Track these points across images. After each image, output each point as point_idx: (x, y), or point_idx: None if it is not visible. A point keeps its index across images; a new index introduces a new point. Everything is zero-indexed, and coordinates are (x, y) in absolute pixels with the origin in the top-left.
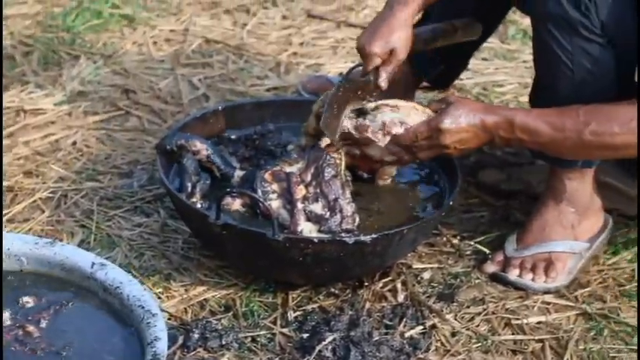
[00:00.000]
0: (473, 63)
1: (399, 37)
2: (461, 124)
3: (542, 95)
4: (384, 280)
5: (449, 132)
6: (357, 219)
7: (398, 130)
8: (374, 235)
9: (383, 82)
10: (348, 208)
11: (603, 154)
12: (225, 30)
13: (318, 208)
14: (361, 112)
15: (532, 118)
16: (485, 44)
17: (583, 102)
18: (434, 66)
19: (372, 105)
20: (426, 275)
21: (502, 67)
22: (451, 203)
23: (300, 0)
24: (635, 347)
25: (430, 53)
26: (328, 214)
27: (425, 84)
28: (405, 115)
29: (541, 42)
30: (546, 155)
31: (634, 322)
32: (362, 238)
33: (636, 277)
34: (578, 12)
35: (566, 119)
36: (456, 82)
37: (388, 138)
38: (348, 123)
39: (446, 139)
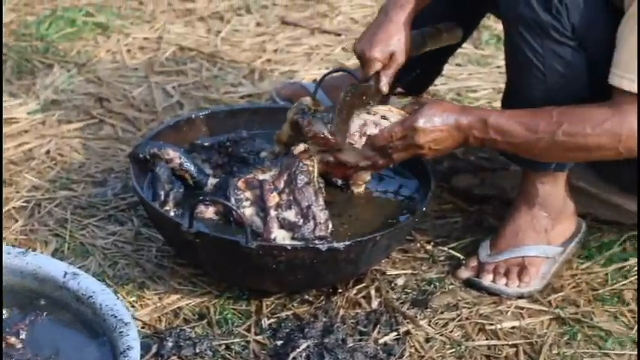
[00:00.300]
0: (447, 68)
1: (398, 41)
2: (435, 123)
3: (515, 98)
4: (357, 287)
5: (423, 131)
6: (331, 226)
7: (373, 130)
8: (347, 242)
9: (384, 86)
10: (321, 215)
11: (576, 156)
12: (199, 37)
13: (291, 215)
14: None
15: (506, 119)
16: (459, 50)
17: (555, 104)
18: (408, 71)
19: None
20: (400, 281)
21: (476, 73)
22: (424, 209)
23: (274, 7)
24: (608, 351)
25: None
26: (301, 221)
27: (399, 90)
28: (380, 118)
29: (513, 45)
30: (520, 158)
31: (607, 326)
32: (335, 245)
33: (637, 279)
34: (550, 15)
35: (539, 120)
36: (430, 87)
37: (364, 139)
38: (322, 128)
39: (420, 139)
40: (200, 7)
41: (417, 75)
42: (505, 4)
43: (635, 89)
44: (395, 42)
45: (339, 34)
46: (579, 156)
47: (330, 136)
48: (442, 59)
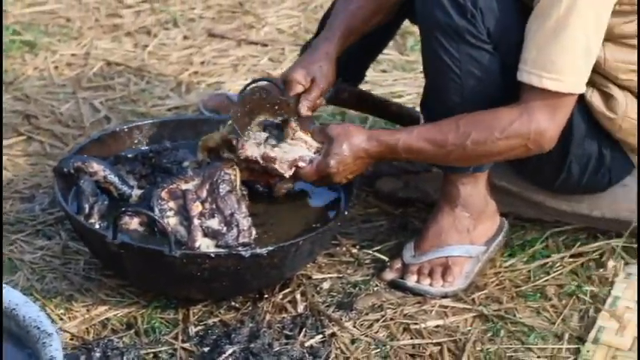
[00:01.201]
0: (372, 75)
1: (320, 67)
2: (346, 161)
3: (433, 102)
4: (283, 292)
5: (337, 172)
6: (254, 232)
7: (301, 164)
8: (270, 248)
9: (303, 108)
10: (245, 222)
11: (489, 160)
12: (126, 52)
13: (214, 223)
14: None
15: (415, 139)
16: (384, 56)
17: (472, 108)
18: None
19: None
20: (326, 285)
21: (401, 79)
22: (346, 213)
23: (201, 20)
24: (531, 346)
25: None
26: (225, 229)
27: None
28: (297, 152)
29: (430, 50)
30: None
31: (530, 321)
32: (258, 251)
33: (636, 280)
34: (465, 20)
35: (447, 134)
36: None
37: (293, 170)
38: (256, 151)
39: (336, 178)
40: (127, 22)
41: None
42: (421, 10)
43: (542, 84)
44: (317, 68)
45: (266, 45)
46: (492, 160)
47: (261, 161)
48: (364, 66)
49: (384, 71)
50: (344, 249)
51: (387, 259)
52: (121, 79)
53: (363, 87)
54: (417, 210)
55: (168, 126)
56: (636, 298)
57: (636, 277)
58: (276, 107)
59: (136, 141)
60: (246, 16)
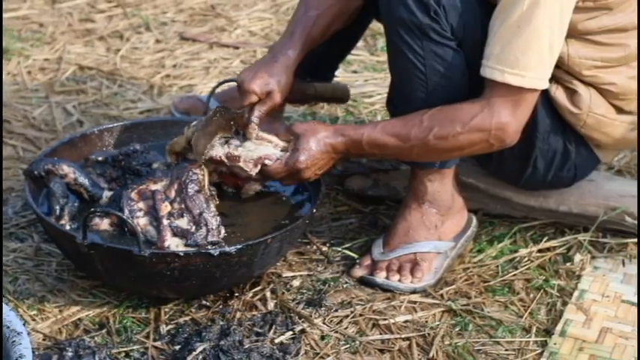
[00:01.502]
0: (343, 75)
1: (278, 82)
2: (314, 155)
3: (398, 99)
4: (254, 290)
5: (305, 167)
6: (223, 231)
7: (267, 162)
8: (238, 246)
9: (255, 119)
10: (213, 221)
11: (452, 155)
12: (99, 56)
13: (183, 223)
14: (233, 137)
15: (379, 134)
16: (355, 57)
17: (436, 104)
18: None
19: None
20: (296, 283)
21: (371, 79)
22: (314, 212)
23: (173, 24)
24: (499, 339)
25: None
26: (194, 228)
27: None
28: (262, 150)
29: (394, 48)
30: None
31: (498, 315)
32: (227, 249)
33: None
34: (428, 17)
35: (410, 128)
36: None
37: (259, 168)
38: (220, 151)
39: (304, 174)
40: (100, 26)
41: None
42: (385, 8)
43: (505, 80)
44: (275, 82)
45: (237, 47)
46: (455, 154)
47: (226, 160)
48: (333, 66)
49: (354, 72)
50: (314, 247)
51: (356, 256)
52: (94, 83)
53: None
54: (387, 208)
55: (138, 128)
56: (638, 293)
57: (602, 270)
58: (232, 122)
59: (106, 143)
60: (218, 19)
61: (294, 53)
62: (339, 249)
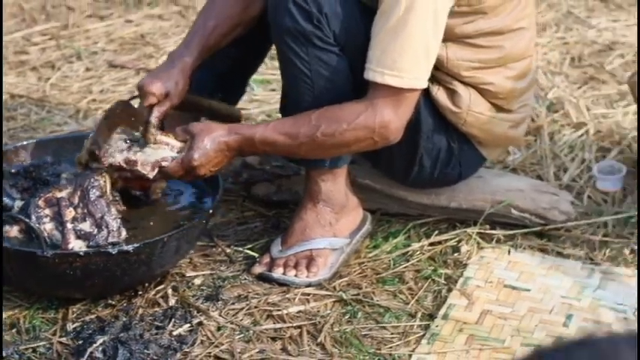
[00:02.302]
0: (262, 94)
1: (175, 84)
2: (209, 153)
3: (289, 104)
4: (157, 289)
5: (200, 164)
6: (124, 233)
7: (164, 163)
8: (136, 245)
9: (153, 119)
10: (114, 223)
11: (339, 151)
12: (30, 85)
13: (86, 226)
14: (132, 142)
15: (270, 132)
16: (273, 76)
17: (324, 106)
18: (211, 94)
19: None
20: (197, 281)
21: None
22: (211, 212)
23: (103, 52)
24: (385, 324)
25: (207, 83)
26: (96, 230)
27: None
28: (160, 153)
29: (282, 55)
30: (299, 158)
31: (386, 303)
32: (125, 247)
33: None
34: (311, 25)
35: (299, 127)
36: (244, 111)
37: (156, 170)
38: (119, 157)
39: (200, 171)
40: (33, 58)
41: (220, 97)
42: (272, 18)
43: (385, 81)
44: (172, 84)
45: None
46: (342, 151)
47: (125, 165)
48: (244, 81)
49: (272, 90)
50: (219, 249)
51: (257, 255)
52: (23, 110)
53: (252, 105)
54: (290, 211)
55: (52, 144)
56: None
57: (487, 259)
58: (133, 118)
59: (22, 159)
60: (147, 46)
61: (191, 60)
62: (242, 249)
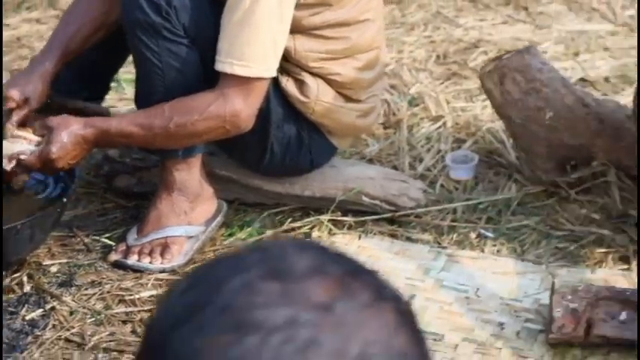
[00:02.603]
0: (130, 92)
1: (34, 89)
2: (66, 146)
3: (142, 95)
4: (13, 276)
5: (58, 157)
6: None
7: (22, 157)
8: None
9: (11, 123)
10: None
11: (193, 141)
12: None
13: None
14: None
15: (125, 124)
16: None
17: (176, 97)
18: (75, 93)
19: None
20: (54, 269)
21: None
22: (65, 200)
23: None
24: None
25: (71, 83)
26: None
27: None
28: (17, 147)
29: (134, 48)
30: (154, 149)
31: None
32: None
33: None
34: (161, 17)
35: (153, 118)
36: (113, 109)
37: (14, 163)
38: None
39: (58, 163)
40: None
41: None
42: (124, 11)
43: (234, 71)
44: (31, 89)
45: None
46: (195, 141)
47: None
48: (107, 79)
49: None
50: (78, 239)
51: (114, 244)
52: None
53: (122, 103)
54: (150, 201)
55: None
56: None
57: (338, 245)
58: None
59: None
60: (22, 49)
61: (51, 64)
62: (100, 238)
